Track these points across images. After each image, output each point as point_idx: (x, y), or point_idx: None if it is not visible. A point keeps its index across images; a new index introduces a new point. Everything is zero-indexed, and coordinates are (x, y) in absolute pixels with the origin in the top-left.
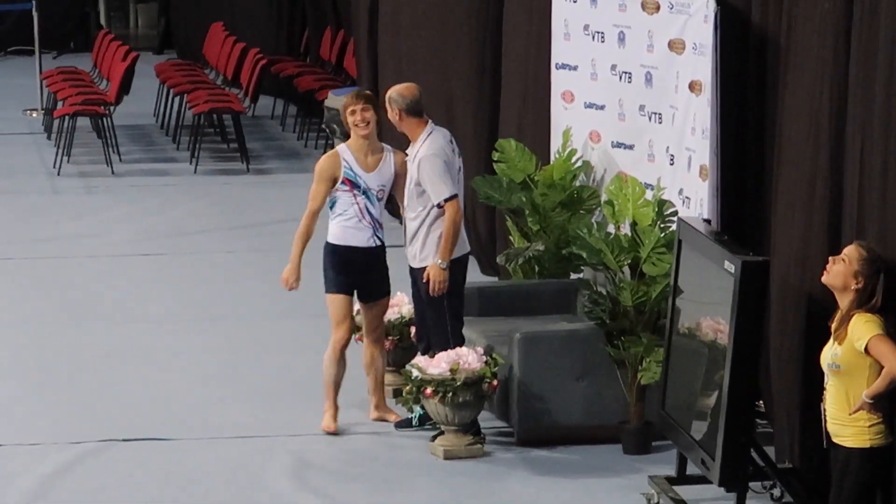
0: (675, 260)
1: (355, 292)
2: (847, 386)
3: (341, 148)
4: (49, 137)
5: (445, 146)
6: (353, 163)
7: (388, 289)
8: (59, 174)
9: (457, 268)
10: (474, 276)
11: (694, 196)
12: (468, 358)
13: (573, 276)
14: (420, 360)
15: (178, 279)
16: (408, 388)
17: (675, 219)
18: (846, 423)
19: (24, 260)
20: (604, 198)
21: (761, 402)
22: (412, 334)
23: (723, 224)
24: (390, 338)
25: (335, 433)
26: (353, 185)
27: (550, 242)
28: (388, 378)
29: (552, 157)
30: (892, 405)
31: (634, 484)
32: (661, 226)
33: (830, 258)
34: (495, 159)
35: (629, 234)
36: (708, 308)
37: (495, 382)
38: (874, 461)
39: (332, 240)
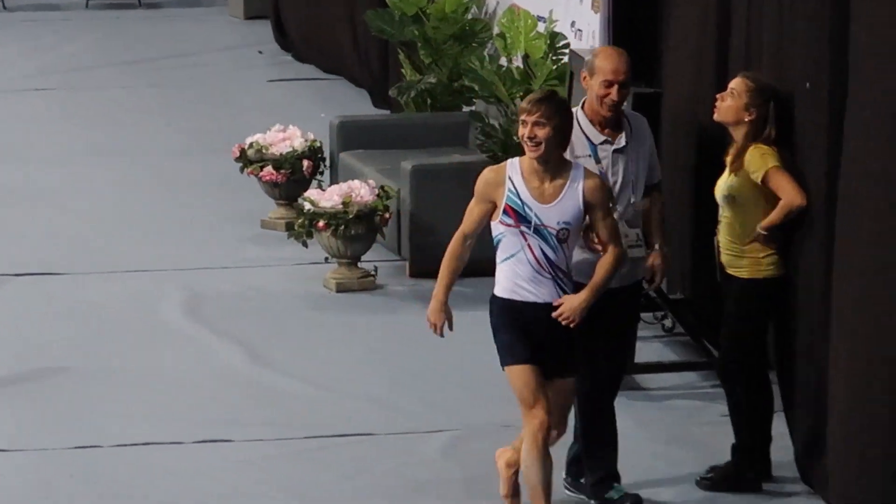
0: (567, 92)
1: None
2: (742, 217)
3: (511, 163)
4: None
5: None
6: (522, 187)
7: (576, 366)
8: None
9: None
10: (367, 109)
11: (586, 28)
12: (360, 191)
13: (465, 108)
14: (313, 193)
15: (73, 115)
16: (300, 221)
17: (567, 51)
18: (741, 255)
19: None
20: (496, 30)
21: None
22: (305, 168)
23: None
24: (282, 171)
25: None
26: (518, 217)
27: (442, 75)
28: (281, 212)
29: None
30: (787, 236)
31: None
32: (553, 58)
33: (718, 95)
34: None
35: (521, 66)
36: None
37: (387, 215)
38: (767, 292)
39: (499, 292)
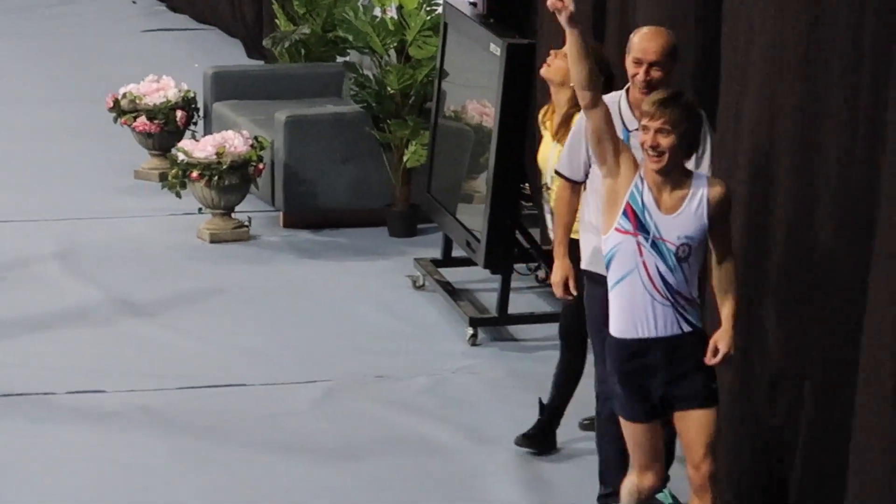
0: (441, 43)
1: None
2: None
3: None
4: None
5: None
6: (646, 188)
7: (715, 394)
8: None
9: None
10: (241, 59)
11: None
12: (234, 141)
13: (339, 59)
14: (186, 143)
15: None
16: (173, 171)
17: (440, 2)
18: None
19: None
20: None
21: (527, 184)
22: (179, 118)
23: (489, 7)
24: (156, 121)
25: None
26: (637, 224)
27: (317, 26)
28: (154, 162)
29: None
30: None
31: (400, 266)
32: (427, 9)
33: (552, 51)
34: None
35: (395, 17)
36: (474, 91)
37: (261, 166)
38: None
39: (614, 331)
